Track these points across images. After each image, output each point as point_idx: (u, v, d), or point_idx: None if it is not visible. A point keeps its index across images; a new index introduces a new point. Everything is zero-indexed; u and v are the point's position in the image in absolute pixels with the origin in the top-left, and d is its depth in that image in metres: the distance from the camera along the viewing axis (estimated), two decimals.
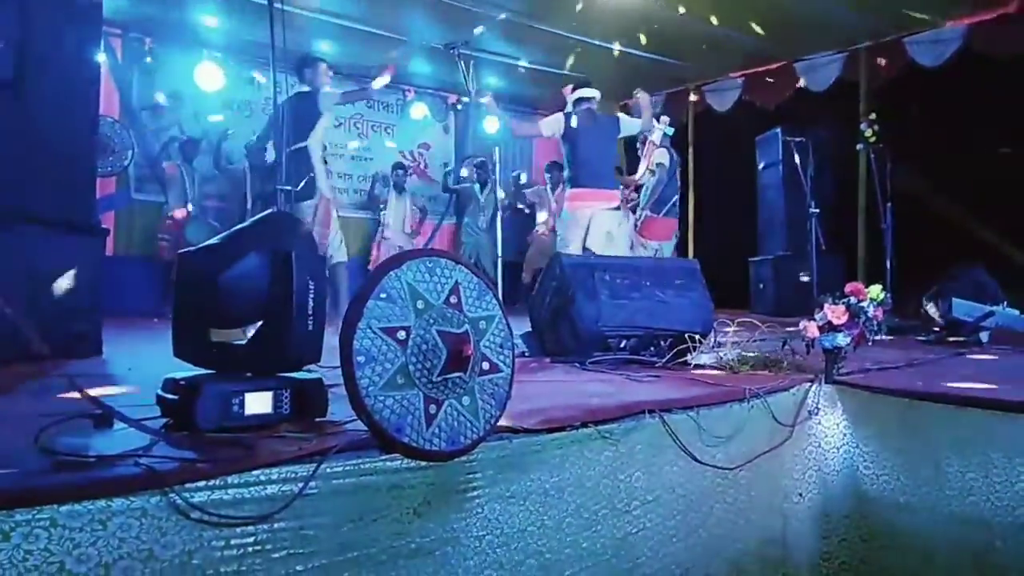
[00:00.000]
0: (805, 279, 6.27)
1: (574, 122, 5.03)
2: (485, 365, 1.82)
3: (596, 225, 5.00)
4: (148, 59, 7.20)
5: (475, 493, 1.84)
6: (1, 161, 2.93)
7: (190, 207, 6.76)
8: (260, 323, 1.90)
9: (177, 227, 6.63)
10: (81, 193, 3.59)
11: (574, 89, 5.27)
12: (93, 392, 1.64)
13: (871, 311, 2.89)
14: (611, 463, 2.16)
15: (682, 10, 6.79)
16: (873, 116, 6.44)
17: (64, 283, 3.17)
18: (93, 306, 3.47)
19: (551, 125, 5.14)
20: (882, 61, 7.33)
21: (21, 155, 3.13)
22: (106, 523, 1.33)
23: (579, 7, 6.44)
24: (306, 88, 5.13)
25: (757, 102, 8.43)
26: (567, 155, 5.16)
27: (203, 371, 1.92)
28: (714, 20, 6.83)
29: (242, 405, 1.78)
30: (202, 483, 1.45)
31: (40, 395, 2.35)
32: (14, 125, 3.09)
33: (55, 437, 1.52)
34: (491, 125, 8.79)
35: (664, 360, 3.44)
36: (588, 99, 5.18)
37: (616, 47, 7.55)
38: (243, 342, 1.90)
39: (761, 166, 8.05)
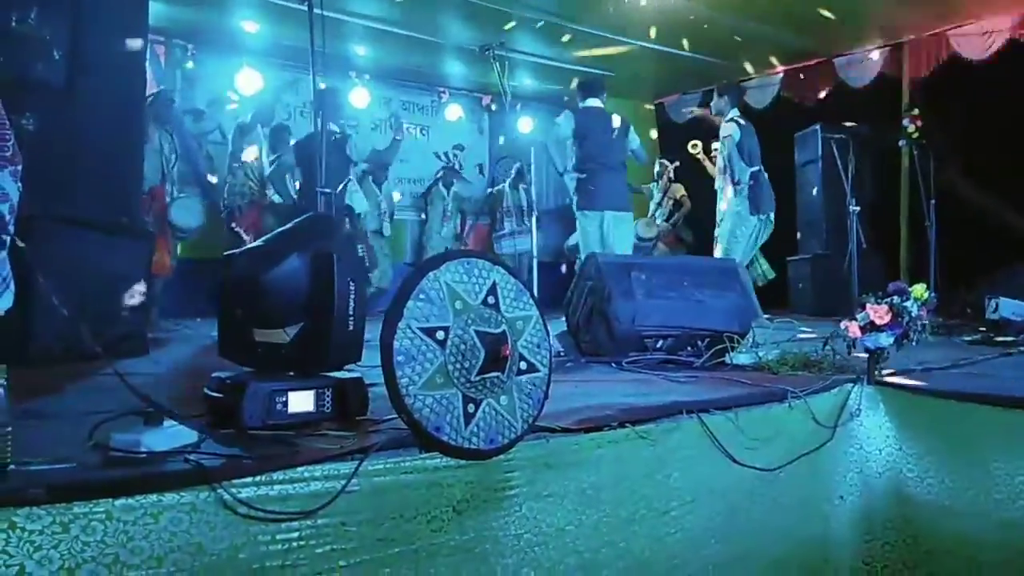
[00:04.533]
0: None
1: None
2: (523, 365, 1.83)
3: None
4: (190, 64, 7.37)
5: (513, 492, 1.85)
6: (54, 165, 3.03)
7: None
8: (302, 323, 1.94)
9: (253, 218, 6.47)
10: (129, 196, 3.70)
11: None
12: (143, 390, 1.70)
13: (915, 311, 2.83)
14: (649, 463, 2.15)
15: (727, 27, 6.76)
16: (916, 111, 6.29)
17: (132, 287, 3.29)
18: (141, 307, 3.57)
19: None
20: (925, 55, 7.15)
21: (72, 160, 3.24)
22: (158, 517, 1.38)
23: (612, 8, 6.41)
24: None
25: (796, 98, 8.29)
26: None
27: (248, 370, 1.97)
28: (752, 18, 6.74)
29: (286, 404, 1.83)
30: (248, 479, 1.49)
31: (92, 393, 2.43)
32: (66, 131, 3.20)
33: (108, 433, 1.57)
34: (525, 125, 8.84)
35: (702, 360, 3.41)
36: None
37: (649, 44, 7.49)
38: (286, 342, 1.94)
39: (800, 163, 7.92)
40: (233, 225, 6.24)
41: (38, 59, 3.03)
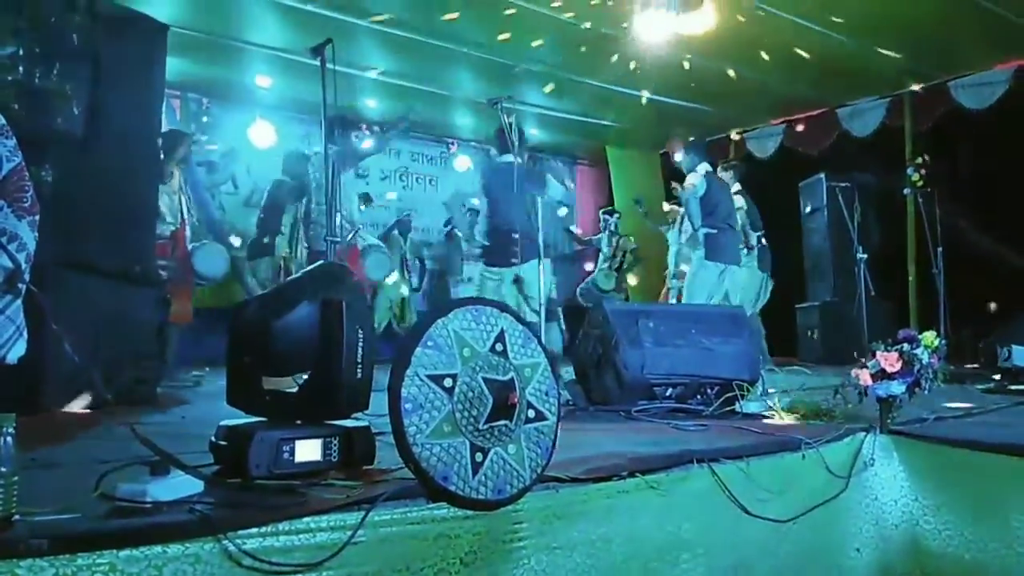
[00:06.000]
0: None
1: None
2: (531, 413, 1.82)
3: None
4: (205, 118, 7.55)
5: (522, 543, 1.82)
6: (70, 215, 3.08)
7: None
8: (310, 371, 1.94)
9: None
10: (143, 245, 3.75)
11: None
12: (150, 439, 1.70)
13: (926, 358, 2.81)
14: (659, 514, 2.12)
15: (730, 78, 6.91)
16: (920, 160, 6.36)
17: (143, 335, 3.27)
18: (151, 354, 3.58)
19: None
20: (927, 105, 7.26)
21: (88, 209, 3.30)
22: (161, 568, 1.36)
23: (615, 61, 6.57)
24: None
25: (799, 148, 8.39)
26: None
27: (255, 419, 1.96)
28: (754, 70, 6.88)
29: (292, 452, 1.81)
30: (254, 530, 1.47)
31: (100, 441, 2.42)
32: (82, 181, 3.27)
33: (114, 483, 1.56)
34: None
35: (712, 409, 3.38)
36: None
37: (647, 95, 7.64)
38: (294, 390, 1.94)
39: (806, 211, 7.97)
40: None
41: (59, 113, 3.12)
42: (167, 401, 3.74)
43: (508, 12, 5.65)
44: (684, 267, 6.15)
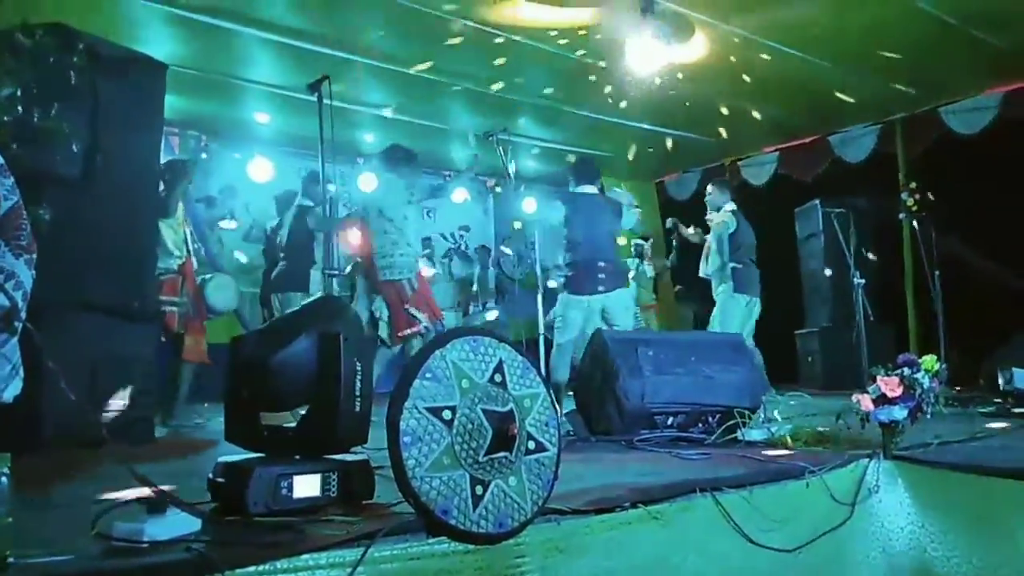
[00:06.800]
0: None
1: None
2: (531, 444, 1.81)
3: None
4: (204, 155, 7.60)
5: None
6: (68, 253, 3.09)
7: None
8: (308, 405, 1.93)
9: None
10: (141, 282, 3.75)
11: None
12: (146, 477, 1.68)
13: (927, 382, 2.80)
14: (662, 545, 2.09)
15: (723, 108, 7.02)
16: (914, 185, 6.41)
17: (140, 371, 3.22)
18: (148, 392, 3.56)
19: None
20: (918, 131, 7.35)
21: (86, 247, 3.31)
22: None
23: (608, 92, 6.66)
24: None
25: (793, 175, 8.46)
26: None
27: (253, 454, 1.95)
28: (746, 99, 6.97)
29: (291, 488, 1.79)
30: (252, 568, 1.44)
31: (97, 480, 2.39)
32: (80, 219, 3.28)
33: (110, 522, 1.54)
34: (529, 206, 9.02)
35: (713, 437, 3.36)
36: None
37: (641, 125, 7.74)
38: (292, 424, 1.93)
39: (802, 237, 8.01)
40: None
41: (57, 152, 3.14)
42: (168, 441, 3.70)
43: (498, 41, 5.73)
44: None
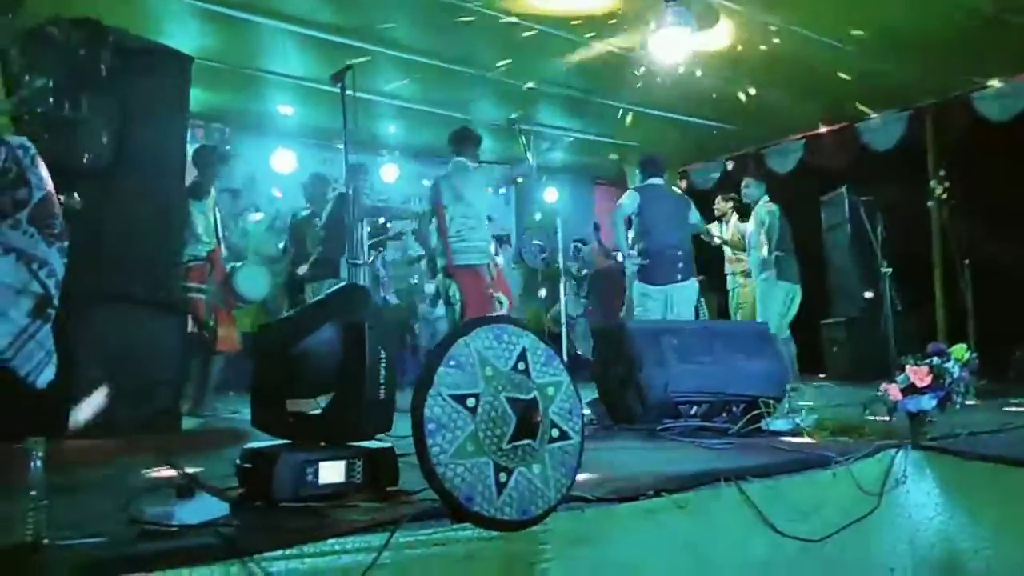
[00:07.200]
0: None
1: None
2: (555, 432, 1.81)
3: None
4: (227, 147, 7.68)
5: (547, 565, 1.79)
6: (96, 242, 3.14)
7: None
8: (333, 393, 1.95)
9: None
10: (167, 272, 3.79)
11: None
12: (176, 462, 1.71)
13: (957, 372, 2.75)
14: (687, 534, 2.08)
15: (747, 96, 6.94)
16: (943, 173, 6.29)
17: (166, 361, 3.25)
18: (175, 381, 3.61)
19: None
20: (947, 117, 7.19)
21: (114, 236, 3.36)
22: None
23: (632, 81, 6.60)
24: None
25: (819, 163, 8.33)
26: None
27: (279, 441, 1.97)
28: (772, 86, 6.87)
29: (316, 475, 1.81)
30: (279, 552, 1.47)
31: (127, 465, 2.43)
32: (109, 209, 3.33)
33: (141, 506, 1.57)
34: (551, 195, 9.01)
35: (738, 427, 3.33)
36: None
37: (672, 114, 7.66)
38: (318, 412, 1.95)
39: (828, 226, 7.89)
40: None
41: (86, 143, 3.19)
42: (201, 433, 3.72)
43: (527, 34, 5.71)
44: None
